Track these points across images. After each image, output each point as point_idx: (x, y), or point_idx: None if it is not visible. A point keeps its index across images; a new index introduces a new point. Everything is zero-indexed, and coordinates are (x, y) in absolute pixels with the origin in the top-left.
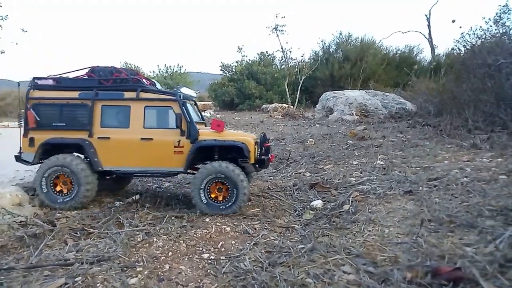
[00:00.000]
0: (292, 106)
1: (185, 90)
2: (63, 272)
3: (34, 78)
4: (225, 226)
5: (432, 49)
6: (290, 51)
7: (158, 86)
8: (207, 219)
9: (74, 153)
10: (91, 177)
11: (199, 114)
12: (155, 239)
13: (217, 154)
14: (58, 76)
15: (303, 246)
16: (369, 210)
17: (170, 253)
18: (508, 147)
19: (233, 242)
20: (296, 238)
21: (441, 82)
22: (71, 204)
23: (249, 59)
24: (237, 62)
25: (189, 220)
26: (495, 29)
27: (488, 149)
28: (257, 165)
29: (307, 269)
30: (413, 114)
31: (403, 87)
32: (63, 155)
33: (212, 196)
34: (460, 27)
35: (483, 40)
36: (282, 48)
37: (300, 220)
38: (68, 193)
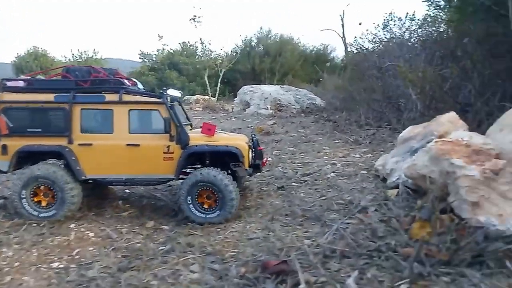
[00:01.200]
0: (213, 99)
1: (171, 91)
2: None
3: (3, 80)
4: (89, 232)
5: (345, 48)
6: (210, 43)
7: (140, 86)
8: (72, 225)
9: (54, 161)
10: (75, 187)
11: (185, 115)
12: (4, 249)
13: (208, 158)
14: (30, 77)
15: (163, 247)
16: (241, 207)
17: (17, 263)
18: (385, 142)
19: (91, 248)
20: (161, 239)
21: (342, 80)
22: (55, 217)
23: (171, 49)
24: (158, 50)
25: (51, 226)
26: (383, 34)
27: (366, 145)
28: (251, 170)
29: (156, 271)
30: (322, 109)
31: (315, 83)
32: (43, 164)
33: (202, 203)
34: (367, 30)
35: (373, 43)
36: (200, 39)
37: (173, 221)
38: (51, 205)
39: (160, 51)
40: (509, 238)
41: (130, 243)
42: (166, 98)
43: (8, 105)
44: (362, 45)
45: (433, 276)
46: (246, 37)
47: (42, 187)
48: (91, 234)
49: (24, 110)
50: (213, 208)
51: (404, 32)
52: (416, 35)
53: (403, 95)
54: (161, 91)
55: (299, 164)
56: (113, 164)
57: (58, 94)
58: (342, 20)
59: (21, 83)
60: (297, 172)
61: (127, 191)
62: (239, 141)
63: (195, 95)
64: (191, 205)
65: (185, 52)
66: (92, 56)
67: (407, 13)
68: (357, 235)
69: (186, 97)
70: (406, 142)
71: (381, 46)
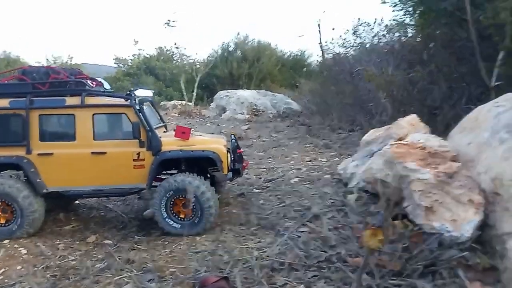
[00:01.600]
0: (190, 104)
1: (139, 92)
2: None
3: None
4: (22, 248)
5: (322, 53)
6: (185, 48)
7: (107, 86)
8: (6, 241)
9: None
10: (36, 202)
11: (158, 116)
12: None
13: (184, 163)
14: None
15: (99, 265)
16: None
17: None
18: (354, 146)
19: (20, 267)
20: (100, 256)
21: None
22: (17, 235)
23: (147, 53)
24: (133, 55)
25: None
26: (353, 39)
27: (335, 149)
28: (230, 175)
29: None
30: (298, 114)
31: (293, 88)
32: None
33: (178, 213)
34: (340, 36)
35: (344, 48)
36: (175, 44)
37: (119, 234)
38: (10, 222)
39: (136, 56)
40: (463, 244)
41: (65, 260)
42: (134, 100)
43: None
44: (333, 50)
45: None
46: (224, 42)
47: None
48: (24, 251)
49: None
50: (190, 218)
51: (373, 37)
52: (384, 40)
53: (374, 99)
54: (128, 92)
55: (264, 170)
56: (78, 174)
57: (13, 99)
58: (318, 26)
59: None
60: (260, 178)
61: (76, 202)
62: (216, 145)
63: (173, 100)
64: (165, 215)
65: (161, 57)
66: (67, 62)
67: (375, 18)
68: (308, 244)
69: (163, 103)
70: (368, 146)
71: (351, 51)
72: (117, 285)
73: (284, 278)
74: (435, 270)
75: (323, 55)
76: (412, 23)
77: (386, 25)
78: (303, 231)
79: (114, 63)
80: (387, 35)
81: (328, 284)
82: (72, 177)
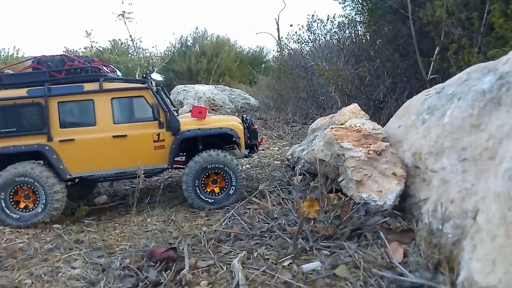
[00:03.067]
0: None
1: (154, 76)
2: None
3: None
4: None
5: (280, 50)
6: (141, 41)
7: (119, 73)
8: None
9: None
10: (59, 185)
11: (169, 100)
12: None
13: (201, 143)
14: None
15: (48, 246)
16: (148, 201)
17: None
18: (304, 136)
19: None
20: (49, 238)
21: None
22: (38, 220)
23: (100, 46)
24: (85, 48)
25: None
26: (308, 35)
27: (288, 139)
28: (247, 151)
29: (33, 269)
30: (256, 109)
31: (250, 84)
32: (22, 163)
33: (208, 190)
34: (296, 32)
35: (299, 44)
36: (131, 36)
37: (68, 219)
38: (33, 207)
39: (88, 49)
40: (386, 211)
41: (12, 243)
42: (151, 83)
43: None
44: (289, 46)
45: (315, 250)
46: (182, 36)
47: (20, 189)
48: None
49: None
50: (222, 192)
51: (326, 33)
52: (336, 37)
53: (325, 93)
54: (144, 75)
55: None
56: (100, 158)
57: (31, 88)
58: (277, 23)
59: None
60: None
61: None
62: (232, 122)
63: None
64: (198, 191)
65: (116, 50)
66: (13, 54)
67: (328, 15)
68: (253, 218)
69: None
70: (314, 132)
71: (306, 47)
72: (66, 262)
73: (229, 247)
74: (361, 233)
75: (280, 51)
76: (361, 20)
77: (338, 22)
78: (249, 208)
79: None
80: (338, 32)
81: (269, 249)
82: (94, 161)
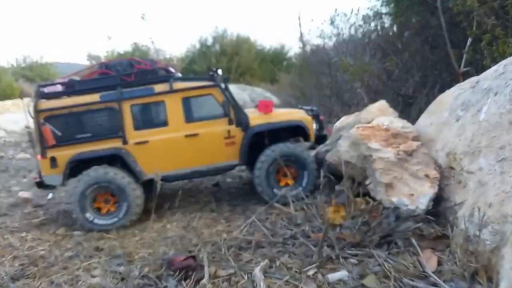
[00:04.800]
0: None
1: (220, 72)
2: None
3: (39, 86)
4: None
5: (303, 46)
6: (161, 43)
7: (179, 74)
8: None
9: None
10: (139, 190)
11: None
12: None
13: (267, 138)
14: (67, 79)
15: (69, 253)
16: (169, 206)
17: None
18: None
19: None
20: (69, 246)
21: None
22: (119, 224)
23: (122, 50)
24: (107, 52)
25: None
26: (330, 30)
27: None
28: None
29: (53, 278)
30: (277, 107)
31: (272, 82)
32: (103, 169)
33: (278, 180)
34: (318, 27)
35: (322, 39)
36: (151, 39)
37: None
38: (114, 211)
39: (110, 53)
40: (419, 216)
41: (33, 250)
42: (219, 81)
43: (49, 113)
44: (311, 42)
45: (341, 259)
46: (201, 36)
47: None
48: None
49: (68, 116)
50: (294, 185)
51: (350, 27)
52: (361, 30)
53: (350, 90)
54: (211, 73)
55: None
56: (174, 158)
57: (103, 93)
58: (299, 19)
59: (59, 87)
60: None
61: (50, 195)
62: (300, 114)
63: None
64: (270, 184)
65: (137, 53)
66: (37, 61)
67: (352, 8)
68: (275, 224)
69: None
70: (338, 132)
71: (328, 42)
72: (86, 270)
73: (250, 255)
74: (391, 240)
75: (303, 47)
76: (387, 12)
77: (363, 15)
78: (271, 213)
79: (87, 60)
80: (363, 25)
81: (292, 257)
82: (168, 161)
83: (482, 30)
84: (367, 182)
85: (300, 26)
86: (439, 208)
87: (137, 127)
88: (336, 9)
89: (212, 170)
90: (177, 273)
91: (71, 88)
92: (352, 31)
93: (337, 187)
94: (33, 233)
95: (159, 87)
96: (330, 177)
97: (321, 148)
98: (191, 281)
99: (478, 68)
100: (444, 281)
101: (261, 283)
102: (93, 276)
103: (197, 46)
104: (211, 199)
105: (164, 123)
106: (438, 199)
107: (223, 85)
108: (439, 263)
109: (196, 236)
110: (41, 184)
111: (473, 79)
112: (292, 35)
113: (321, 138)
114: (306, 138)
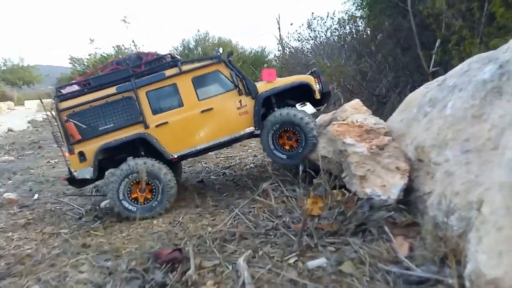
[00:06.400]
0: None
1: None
2: None
3: (57, 89)
4: None
5: (282, 48)
6: (143, 45)
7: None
8: None
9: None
10: (170, 174)
11: None
12: None
13: (275, 105)
14: (82, 79)
15: (56, 251)
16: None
17: None
18: None
19: None
20: (56, 244)
21: None
22: (159, 209)
23: (104, 52)
24: (89, 55)
25: None
26: (308, 33)
27: None
28: (320, 102)
29: (41, 275)
30: None
31: None
32: (133, 159)
33: (281, 145)
34: (296, 31)
35: (300, 42)
36: (133, 41)
37: (75, 224)
38: (149, 200)
39: (92, 55)
40: (391, 206)
41: (20, 249)
42: (221, 56)
43: (71, 111)
44: (290, 44)
45: (320, 247)
46: (184, 39)
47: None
48: None
49: (89, 111)
50: (295, 148)
51: (326, 30)
52: (336, 33)
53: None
54: (214, 52)
55: (222, 158)
56: (194, 135)
57: (118, 85)
58: (278, 23)
59: (76, 87)
60: (218, 166)
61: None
62: (302, 76)
63: None
64: (273, 147)
65: (119, 56)
66: (18, 64)
67: (328, 12)
68: (258, 216)
69: None
70: None
71: (306, 44)
72: (73, 266)
73: (234, 247)
74: (366, 228)
75: (282, 50)
76: (362, 15)
77: (338, 18)
78: (254, 207)
79: (69, 63)
80: (339, 28)
81: (274, 247)
82: (189, 139)
83: (450, 32)
84: (343, 175)
85: (279, 30)
86: (409, 198)
87: (155, 112)
88: (313, 13)
89: (231, 140)
90: (163, 265)
91: (88, 86)
92: (329, 34)
93: (315, 181)
94: (19, 232)
95: (169, 72)
96: (309, 172)
97: None
98: (178, 273)
99: (447, 68)
100: (416, 266)
101: (245, 272)
102: (81, 272)
103: (180, 48)
104: (196, 196)
105: (180, 104)
106: (409, 190)
107: (227, 61)
108: (411, 249)
109: (182, 230)
110: (72, 181)
111: (441, 77)
112: (272, 38)
113: (325, 95)
114: (312, 98)
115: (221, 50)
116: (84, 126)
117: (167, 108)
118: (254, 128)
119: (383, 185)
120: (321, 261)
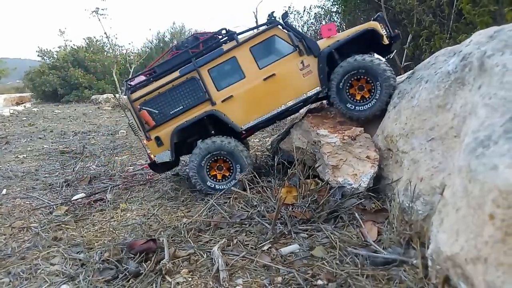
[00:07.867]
0: (125, 97)
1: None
2: None
3: (126, 82)
4: None
5: None
6: (116, 37)
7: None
8: None
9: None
10: (246, 150)
11: None
12: None
13: (340, 59)
14: (147, 70)
15: (26, 244)
16: (128, 197)
17: None
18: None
19: None
20: (27, 238)
21: None
22: (233, 186)
23: (74, 45)
24: (59, 47)
25: None
26: None
27: (267, 130)
28: (388, 49)
29: (11, 268)
30: None
31: None
32: (209, 139)
33: (353, 94)
34: None
35: None
36: (106, 33)
37: (45, 219)
38: (229, 176)
39: (62, 48)
40: (362, 193)
41: None
42: (275, 19)
43: (142, 100)
44: None
45: (293, 234)
46: (159, 32)
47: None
48: None
49: (158, 97)
50: (367, 99)
51: (303, 25)
52: (313, 28)
53: None
54: (268, 17)
55: None
56: (260, 105)
57: (181, 68)
58: (255, 17)
59: (142, 77)
60: None
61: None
62: (364, 24)
63: (105, 94)
64: (345, 98)
65: (91, 48)
66: None
67: (304, 6)
68: (233, 207)
69: (94, 97)
70: (292, 121)
71: None
72: (45, 259)
73: (209, 236)
74: (337, 215)
75: None
76: (337, 10)
77: (315, 13)
78: (229, 197)
79: (38, 55)
80: (315, 23)
81: (248, 236)
82: (256, 108)
83: (421, 27)
84: (316, 165)
85: (256, 22)
86: (379, 186)
87: (219, 87)
88: (289, 7)
89: (299, 104)
90: (137, 255)
91: (154, 74)
92: (305, 29)
93: (289, 171)
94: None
95: (226, 46)
96: (284, 162)
97: (275, 137)
98: (152, 262)
99: (418, 62)
100: (383, 248)
101: (219, 260)
102: (52, 264)
103: (155, 42)
104: (171, 188)
105: (242, 76)
106: (378, 178)
107: (282, 22)
108: (379, 233)
109: (156, 222)
110: (154, 165)
111: (411, 71)
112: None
113: (394, 39)
114: (379, 45)
115: (274, 12)
116: (156, 111)
117: (230, 82)
118: (321, 87)
119: (354, 174)
120: (294, 247)
